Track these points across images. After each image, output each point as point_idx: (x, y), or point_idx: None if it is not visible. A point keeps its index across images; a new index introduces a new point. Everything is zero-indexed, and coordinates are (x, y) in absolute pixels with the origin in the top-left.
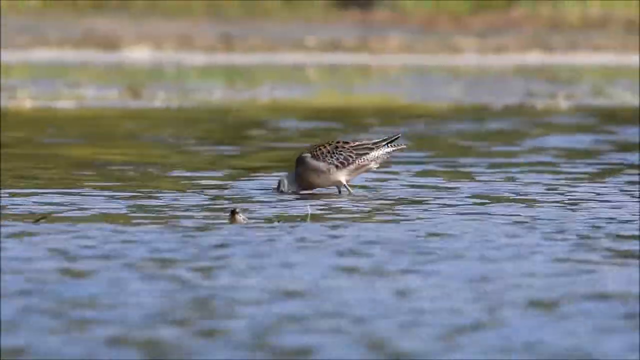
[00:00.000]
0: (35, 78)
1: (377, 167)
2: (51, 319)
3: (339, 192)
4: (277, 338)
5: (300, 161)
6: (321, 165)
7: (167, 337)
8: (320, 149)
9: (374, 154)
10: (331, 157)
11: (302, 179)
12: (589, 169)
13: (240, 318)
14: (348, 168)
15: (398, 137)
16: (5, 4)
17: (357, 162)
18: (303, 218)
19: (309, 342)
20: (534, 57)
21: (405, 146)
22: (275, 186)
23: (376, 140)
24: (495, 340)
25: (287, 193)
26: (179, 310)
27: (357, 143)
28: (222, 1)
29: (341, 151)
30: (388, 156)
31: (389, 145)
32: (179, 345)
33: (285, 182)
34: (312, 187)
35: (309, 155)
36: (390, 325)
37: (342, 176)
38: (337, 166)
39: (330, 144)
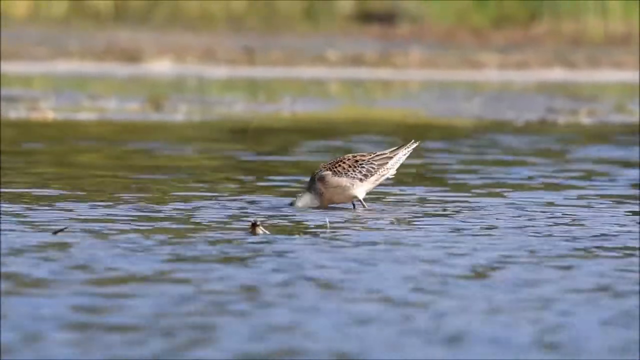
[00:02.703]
0: (57, 90)
1: (394, 175)
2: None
3: (354, 206)
4: None
5: (320, 179)
6: (344, 180)
7: None
8: (340, 165)
9: (393, 161)
10: (353, 171)
11: (323, 197)
12: (615, 183)
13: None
14: (370, 180)
15: (413, 143)
16: (27, 15)
17: (378, 172)
18: (323, 227)
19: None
20: (556, 73)
21: (418, 143)
22: (290, 202)
23: (393, 149)
24: None
25: (302, 210)
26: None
27: (373, 154)
28: (244, 14)
29: (362, 164)
30: (404, 158)
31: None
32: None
33: (302, 200)
34: (332, 203)
35: (329, 173)
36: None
37: (363, 190)
38: (360, 179)
39: (348, 159)
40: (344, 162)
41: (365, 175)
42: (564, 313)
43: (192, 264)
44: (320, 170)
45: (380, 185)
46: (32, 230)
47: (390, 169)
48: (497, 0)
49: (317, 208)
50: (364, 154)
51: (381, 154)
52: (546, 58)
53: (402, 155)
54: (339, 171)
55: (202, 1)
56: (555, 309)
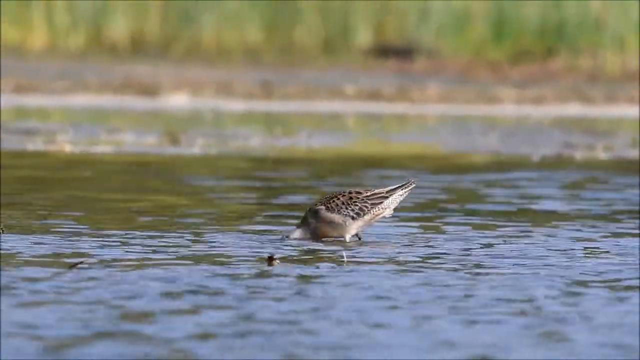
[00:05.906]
0: (74, 123)
1: (391, 214)
2: None
3: (358, 239)
4: None
5: (314, 214)
6: (336, 217)
7: None
8: (334, 201)
9: (388, 201)
10: (346, 208)
11: (316, 232)
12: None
13: None
14: (363, 219)
15: (410, 183)
16: (44, 48)
17: (372, 211)
18: (340, 262)
19: None
20: (573, 109)
21: (414, 185)
22: (285, 235)
23: (390, 188)
24: None
25: (292, 241)
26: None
27: (370, 192)
28: (261, 48)
29: (356, 202)
30: (400, 199)
31: (400, 189)
32: None
33: (296, 232)
34: (326, 237)
35: (323, 208)
36: None
37: (355, 227)
38: (352, 217)
39: (343, 195)
40: (338, 199)
41: (358, 214)
42: None
43: (213, 295)
44: (315, 205)
45: (382, 220)
46: (48, 264)
47: (386, 209)
48: (515, 35)
49: (310, 240)
50: (361, 190)
51: (378, 193)
52: (563, 93)
53: (398, 196)
54: (332, 207)
55: (219, 35)
56: None
